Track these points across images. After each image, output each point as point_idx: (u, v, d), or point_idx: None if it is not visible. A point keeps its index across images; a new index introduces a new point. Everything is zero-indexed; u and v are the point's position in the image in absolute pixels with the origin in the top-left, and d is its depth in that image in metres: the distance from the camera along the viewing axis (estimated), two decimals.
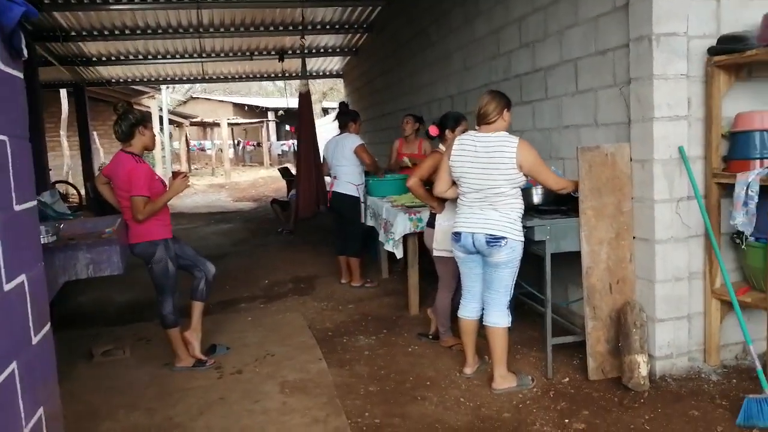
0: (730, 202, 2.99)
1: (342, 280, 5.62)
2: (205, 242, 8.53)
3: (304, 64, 7.10)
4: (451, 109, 5.72)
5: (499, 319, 3.14)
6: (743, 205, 2.88)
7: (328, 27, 9.41)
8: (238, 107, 27.69)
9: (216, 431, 2.92)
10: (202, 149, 28.07)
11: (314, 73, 13.19)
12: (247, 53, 10.55)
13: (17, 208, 1.49)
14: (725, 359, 3.31)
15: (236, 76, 13.11)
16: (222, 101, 28.51)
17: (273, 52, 10.52)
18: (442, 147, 3.76)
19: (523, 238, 3.09)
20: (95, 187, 3.94)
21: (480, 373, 3.40)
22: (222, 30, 8.96)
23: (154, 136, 3.68)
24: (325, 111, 23.73)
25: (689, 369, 3.24)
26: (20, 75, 1.57)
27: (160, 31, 8.76)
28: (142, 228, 3.52)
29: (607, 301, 3.20)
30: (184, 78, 13.03)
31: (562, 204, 3.38)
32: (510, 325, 3.17)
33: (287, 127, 26.28)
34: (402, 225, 4.40)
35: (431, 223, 3.75)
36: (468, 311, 3.32)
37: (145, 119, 3.61)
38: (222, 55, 10.61)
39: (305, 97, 6.53)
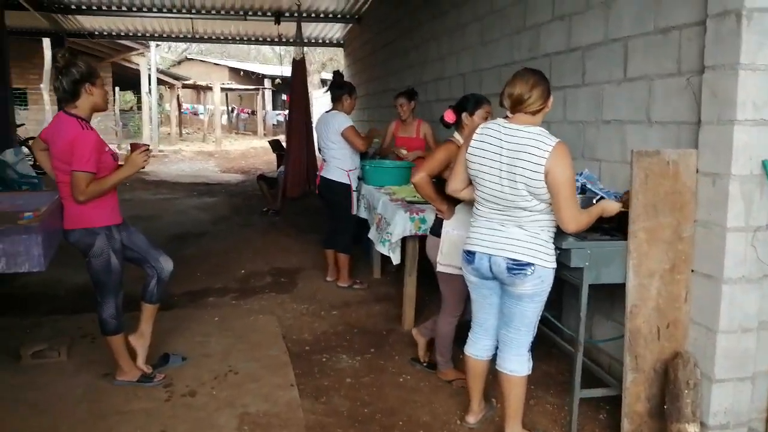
0: None
1: (328, 277, 4.96)
2: (184, 217, 7.90)
3: (299, 27, 6.43)
4: (464, 90, 5.00)
5: (518, 366, 2.48)
6: None
7: None
8: (234, 72, 26.67)
9: None
10: (195, 113, 27.09)
11: (312, 40, 12.50)
12: (241, 12, 9.74)
13: None
14: None
15: (229, 38, 12.40)
16: (217, 64, 27.49)
17: (269, 14, 9.76)
18: (457, 136, 3.05)
19: (555, 265, 2.41)
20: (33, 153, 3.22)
21: (486, 423, 2.76)
22: None
23: (106, 93, 2.97)
24: (324, 82, 22.79)
25: None
26: None
27: None
28: (80, 211, 2.84)
29: (653, 349, 2.54)
30: (173, 35, 12.25)
31: (604, 221, 2.68)
32: (530, 372, 2.52)
33: (284, 97, 25.33)
34: (401, 226, 3.70)
35: (436, 231, 3.05)
36: (477, 349, 2.65)
37: (92, 74, 2.88)
38: (213, 12, 9.80)
39: (300, 64, 6.00)
